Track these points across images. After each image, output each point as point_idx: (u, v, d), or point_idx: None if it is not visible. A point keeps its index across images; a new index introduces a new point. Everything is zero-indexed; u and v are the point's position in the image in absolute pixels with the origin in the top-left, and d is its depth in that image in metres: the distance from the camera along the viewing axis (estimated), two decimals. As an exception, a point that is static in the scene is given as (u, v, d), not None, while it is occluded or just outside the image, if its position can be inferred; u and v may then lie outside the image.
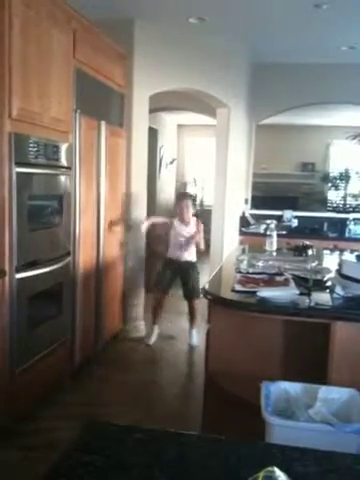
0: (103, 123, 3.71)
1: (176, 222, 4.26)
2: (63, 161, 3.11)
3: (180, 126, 10.72)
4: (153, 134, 8.84)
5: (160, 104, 6.40)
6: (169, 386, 3.51)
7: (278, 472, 0.74)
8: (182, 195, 5.03)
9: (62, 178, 3.13)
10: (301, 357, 2.35)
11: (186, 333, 4.40)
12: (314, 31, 4.44)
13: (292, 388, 1.95)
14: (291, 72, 5.52)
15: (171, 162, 10.14)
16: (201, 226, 4.24)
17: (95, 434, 1.03)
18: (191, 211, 4.27)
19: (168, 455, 0.95)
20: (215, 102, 5.08)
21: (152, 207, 8.81)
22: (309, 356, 2.28)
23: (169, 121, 9.93)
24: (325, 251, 4.13)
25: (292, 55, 5.23)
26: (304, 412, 1.84)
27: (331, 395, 1.89)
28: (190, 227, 4.22)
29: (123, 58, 4.12)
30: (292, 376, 2.05)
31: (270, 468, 0.75)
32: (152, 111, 6.76)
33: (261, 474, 0.74)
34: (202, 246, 4.24)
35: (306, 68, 5.45)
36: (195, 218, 4.32)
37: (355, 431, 1.72)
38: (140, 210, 4.49)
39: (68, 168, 3.18)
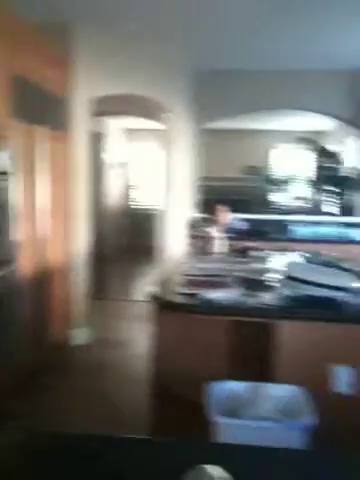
0: (42, 128, 3.63)
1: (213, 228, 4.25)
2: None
3: (127, 131, 10.67)
4: (98, 139, 8.75)
5: (105, 108, 6.35)
6: (117, 391, 3.47)
7: (212, 469, 0.74)
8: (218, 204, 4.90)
9: (-1, 185, 3.02)
10: (247, 357, 2.38)
11: (134, 338, 4.37)
12: (257, 36, 4.52)
13: (237, 387, 1.97)
14: (236, 77, 5.60)
15: (116, 167, 10.08)
16: None
17: (38, 444, 0.99)
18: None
19: (104, 460, 0.93)
20: (158, 107, 5.09)
21: (98, 211, 8.71)
22: (255, 355, 2.31)
23: (114, 125, 9.86)
24: (269, 252, 4.21)
25: (236, 61, 5.32)
26: (249, 410, 1.86)
27: (276, 393, 1.93)
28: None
29: (63, 62, 4.05)
30: (238, 376, 2.07)
31: (202, 465, 0.75)
32: (97, 115, 6.70)
33: (195, 471, 0.73)
34: None
35: (250, 74, 5.54)
36: None
37: (299, 427, 1.75)
38: (82, 216, 4.42)
39: (4, 173, 3.08)
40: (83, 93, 4.27)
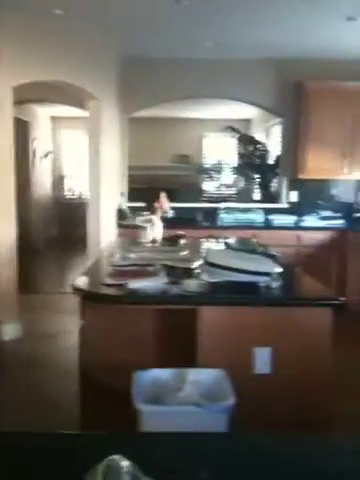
0: None
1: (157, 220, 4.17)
2: None
3: (54, 118, 10.40)
4: (24, 127, 8.48)
5: (31, 96, 6.16)
6: (47, 386, 3.42)
7: (121, 460, 0.75)
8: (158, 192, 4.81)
9: None
10: (174, 344, 2.42)
11: (63, 331, 4.32)
12: (177, 26, 4.55)
13: (162, 374, 2.00)
14: (161, 66, 5.60)
15: (46, 155, 9.82)
16: None
17: None
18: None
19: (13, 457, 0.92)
20: (85, 94, 5.00)
21: (27, 201, 8.46)
22: (181, 342, 2.35)
23: (42, 113, 9.58)
24: (199, 240, 4.28)
25: (160, 49, 5.30)
26: (174, 397, 1.90)
27: (199, 377, 1.97)
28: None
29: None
30: (166, 363, 2.10)
31: (112, 456, 0.75)
32: (22, 103, 6.50)
33: (103, 464, 0.74)
34: None
35: (175, 62, 5.56)
36: None
37: (222, 410, 1.81)
38: (8, 207, 4.28)
39: None
40: (6, 80, 4.11)
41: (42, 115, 9.65)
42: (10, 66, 4.12)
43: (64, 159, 10.91)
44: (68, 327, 4.47)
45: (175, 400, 1.87)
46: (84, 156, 5.28)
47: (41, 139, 9.54)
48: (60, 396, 3.24)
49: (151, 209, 4.33)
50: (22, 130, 7.82)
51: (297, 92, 5.52)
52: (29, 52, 4.28)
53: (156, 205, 4.30)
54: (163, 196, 4.35)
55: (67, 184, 10.80)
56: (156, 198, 4.38)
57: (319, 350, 2.15)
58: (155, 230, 4.01)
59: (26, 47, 4.24)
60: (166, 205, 4.36)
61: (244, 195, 8.59)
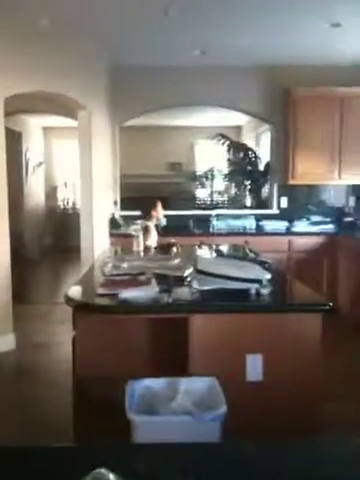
0: None
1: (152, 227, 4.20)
2: None
3: (46, 128, 10.42)
4: (16, 137, 8.49)
5: (22, 107, 6.18)
6: (40, 398, 3.41)
7: (106, 473, 0.76)
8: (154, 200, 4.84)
9: None
10: (166, 353, 2.43)
11: (58, 341, 4.31)
12: (166, 35, 4.59)
13: (155, 384, 2.01)
14: (151, 74, 5.64)
15: (38, 165, 9.82)
16: None
17: None
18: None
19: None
20: (74, 104, 5.02)
21: (20, 212, 8.46)
22: (173, 351, 2.36)
23: (33, 124, 9.60)
24: (191, 247, 4.29)
25: (150, 58, 5.34)
26: (167, 406, 1.90)
27: (192, 385, 1.98)
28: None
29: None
30: (159, 372, 2.11)
31: (98, 470, 0.76)
32: (13, 113, 6.50)
33: (88, 478, 0.75)
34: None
35: (165, 71, 5.60)
36: None
37: (213, 418, 1.81)
38: (1, 217, 4.29)
39: None
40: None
41: (34, 125, 9.66)
42: (0, 78, 4.14)
43: (57, 169, 10.92)
44: (61, 337, 4.46)
45: (168, 410, 1.87)
46: (76, 166, 5.28)
47: (33, 149, 9.54)
48: (53, 407, 3.23)
49: (147, 216, 4.35)
50: (14, 141, 7.83)
51: (285, 98, 5.57)
52: (18, 63, 4.29)
53: (153, 213, 4.33)
54: (159, 204, 4.39)
55: (60, 194, 10.80)
56: (152, 206, 4.40)
57: (310, 356, 2.17)
58: (151, 237, 4.03)
59: (14, 58, 4.25)
60: (161, 214, 4.40)
61: (236, 201, 8.62)
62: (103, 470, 0.76)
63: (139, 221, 4.50)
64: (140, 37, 4.68)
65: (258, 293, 2.24)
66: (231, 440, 1.13)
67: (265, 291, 2.24)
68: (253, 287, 2.25)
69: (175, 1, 3.70)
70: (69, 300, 2.32)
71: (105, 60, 5.23)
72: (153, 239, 4.08)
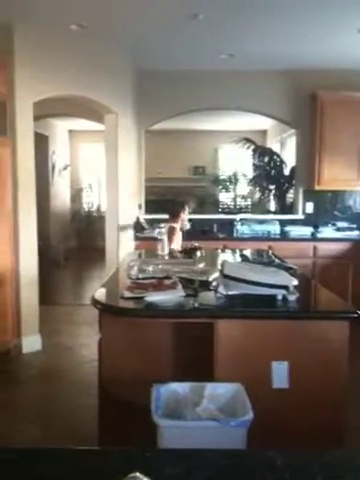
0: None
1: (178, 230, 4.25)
2: None
3: (71, 132, 10.57)
4: (43, 140, 8.62)
5: (49, 110, 6.28)
6: (66, 399, 3.45)
7: (141, 477, 0.77)
8: (182, 203, 4.87)
9: None
10: (191, 357, 2.43)
11: (83, 343, 4.35)
12: (193, 40, 4.61)
13: (181, 388, 2.02)
14: (177, 79, 5.68)
15: (64, 168, 9.96)
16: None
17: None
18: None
19: (42, 473, 0.94)
20: (102, 108, 5.08)
21: (46, 215, 8.59)
22: (198, 355, 2.36)
23: (60, 127, 9.75)
24: (215, 251, 4.30)
25: (176, 62, 5.38)
26: (192, 411, 1.91)
27: (217, 391, 1.98)
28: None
29: (3, 64, 3.98)
30: (184, 376, 2.11)
31: (132, 474, 0.78)
32: (41, 117, 6.61)
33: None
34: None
35: (191, 75, 5.64)
36: None
37: (240, 424, 1.81)
38: (29, 219, 4.36)
39: None
40: (26, 96, 4.21)
41: (60, 129, 9.81)
42: (28, 82, 4.22)
43: (82, 172, 11.05)
44: (86, 339, 4.52)
45: (193, 414, 1.88)
46: (102, 169, 5.34)
47: (60, 152, 9.68)
48: (78, 409, 3.27)
49: (173, 219, 4.35)
50: (41, 144, 7.96)
51: (311, 103, 5.53)
52: (47, 68, 4.37)
53: (182, 215, 4.36)
54: (187, 208, 4.41)
55: (85, 197, 10.92)
56: (179, 208, 4.42)
57: (336, 363, 2.15)
58: (176, 241, 4.04)
59: (43, 63, 4.34)
60: (186, 217, 4.43)
61: (259, 206, 8.59)
62: (138, 474, 0.77)
63: (163, 224, 4.51)
64: (167, 42, 4.71)
65: (285, 299, 2.23)
66: (258, 448, 1.13)
67: (292, 297, 2.23)
68: (280, 293, 2.24)
69: (203, 6, 3.72)
70: (96, 303, 2.35)
71: (132, 64, 5.28)
72: (178, 242, 4.09)
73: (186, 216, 4.46)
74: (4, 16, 3.92)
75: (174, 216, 4.40)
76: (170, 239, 4.05)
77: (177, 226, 4.29)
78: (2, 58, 3.96)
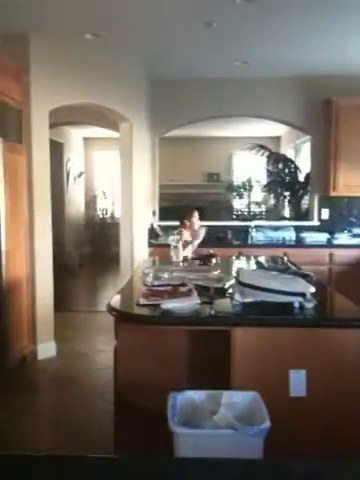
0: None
1: (187, 236, 4.25)
2: None
3: (86, 139, 10.65)
4: (58, 148, 8.71)
5: (64, 118, 6.34)
6: (81, 406, 3.45)
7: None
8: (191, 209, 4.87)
9: None
10: (207, 365, 2.42)
11: (97, 349, 4.35)
12: (208, 47, 4.62)
13: (197, 396, 2.01)
14: (191, 86, 5.70)
15: (79, 175, 10.04)
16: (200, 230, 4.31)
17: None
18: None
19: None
20: (117, 116, 5.12)
21: (61, 221, 8.65)
22: (215, 363, 2.35)
23: (75, 134, 9.83)
24: (230, 258, 4.28)
25: (190, 70, 5.40)
26: (209, 419, 1.90)
27: (234, 399, 1.97)
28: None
29: (19, 73, 4.03)
30: (200, 384, 2.10)
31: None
32: (56, 125, 6.68)
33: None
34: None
35: (205, 82, 5.65)
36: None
37: (257, 433, 1.79)
38: (45, 226, 4.39)
39: None
40: (41, 104, 4.26)
41: (75, 136, 9.90)
42: (44, 91, 4.27)
43: (96, 179, 11.12)
44: (101, 346, 4.53)
45: (211, 422, 1.87)
46: (116, 176, 5.37)
47: (74, 160, 9.76)
48: (93, 416, 3.27)
49: (183, 226, 4.34)
50: (56, 151, 8.03)
51: (326, 109, 5.51)
52: (62, 76, 4.42)
53: (190, 221, 4.34)
54: (196, 215, 4.39)
55: (99, 203, 10.98)
56: (188, 215, 4.39)
57: (354, 372, 2.12)
58: (187, 248, 4.02)
59: (59, 72, 4.39)
60: (197, 224, 4.39)
61: (273, 212, 8.56)
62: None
63: (176, 231, 4.51)
64: (182, 50, 4.73)
65: (302, 307, 2.21)
66: (279, 456, 1.11)
67: (309, 305, 2.21)
68: (297, 301, 2.22)
69: (218, 14, 3.74)
70: (112, 310, 2.35)
71: (146, 72, 5.31)
72: (188, 249, 4.07)
73: (196, 222, 4.41)
74: (20, 27, 3.98)
75: (182, 223, 4.40)
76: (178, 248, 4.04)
77: (186, 232, 4.28)
78: (18, 67, 4.01)
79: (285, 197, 7.43)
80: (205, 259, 3.82)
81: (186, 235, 4.25)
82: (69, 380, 3.90)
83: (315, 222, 5.79)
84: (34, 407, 3.41)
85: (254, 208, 10.32)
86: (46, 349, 4.34)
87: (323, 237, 5.41)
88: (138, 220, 5.33)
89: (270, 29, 4.14)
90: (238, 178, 10.66)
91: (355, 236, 5.41)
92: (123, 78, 4.97)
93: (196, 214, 4.40)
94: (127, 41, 4.44)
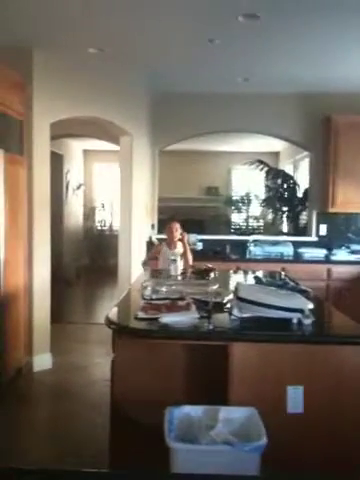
0: (0, 151, 3.62)
1: (165, 247, 4.14)
2: None
3: (86, 151, 10.70)
4: (58, 160, 8.73)
5: (65, 131, 6.38)
6: (76, 419, 3.42)
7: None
8: (170, 219, 4.70)
9: None
10: (205, 379, 2.41)
11: (94, 362, 4.33)
12: (210, 63, 4.68)
13: (194, 411, 2.00)
14: (192, 101, 5.74)
15: (78, 187, 10.06)
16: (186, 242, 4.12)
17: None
18: (178, 234, 4.08)
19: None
20: (117, 130, 5.15)
21: (60, 233, 8.65)
22: (212, 378, 2.35)
23: (75, 146, 9.87)
24: (228, 273, 4.28)
25: (192, 85, 5.45)
26: (206, 434, 1.89)
27: (231, 415, 1.96)
28: (177, 249, 4.08)
29: (21, 86, 4.07)
30: (197, 399, 2.10)
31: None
32: (56, 137, 6.72)
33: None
34: (190, 262, 4.11)
35: (206, 97, 5.70)
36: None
37: (254, 450, 1.79)
38: (44, 237, 4.40)
39: None
40: (43, 117, 4.29)
41: (75, 148, 9.94)
42: (46, 103, 4.30)
43: (95, 191, 11.15)
44: (97, 359, 4.51)
45: (207, 438, 1.86)
46: (115, 188, 5.38)
47: (74, 171, 9.79)
48: (89, 429, 3.24)
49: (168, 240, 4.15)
50: (56, 163, 8.06)
51: (326, 126, 5.56)
52: (64, 89, 4.46)
53: (172, 234, 4.12)
54: (176, 227, 4.11)
55: (98, 215, 10.99)
56: (168, 227, 4.17)
57: (352, 389, 2.12)
58: (179, 262, 3.96)
59: (61, 85, 4.43)
60: (177, 237, 4.12)
61: (272, 227, 8.58)
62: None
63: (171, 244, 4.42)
64: (184, 66, 4.78)
65: (300, 323, 2.22)
66: (276, 472, 1.11)
67: (307, 321, 2.21)
68: (295, 317, 2.22)
69: (220, 31, 3.79)
70: (110, 323, 2.35)
71: (148, 87, 5.36)
72: (180, 265, 3.98)
73: (177, 234, 4.16)
74: (24, 40, 4.02)
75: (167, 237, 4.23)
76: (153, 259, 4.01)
77: (163, 246, 4.14)
78: (21, 80, 4.05)
79: (283, 212, 7.45)
80: (203, 273, 3.82)
81: (166, 250, 4.09)
82: (65, 392, 3.87)
83: (313, 238, 5.81)
84: (29, 419, 3.38)
85: (252, 222, 10.35)
86: (42, 361, 4.32)
87: (321, 253, 5.43)
88: (137, 233, 5.34)
89: (271, 47, 4.20)
90: (237, 192, 10.70)
91: (353, 252, 5.43)
92: (125, 92, 5.01)
93: (176, 225, 4.16)
94: (130, 56, 4.49)
